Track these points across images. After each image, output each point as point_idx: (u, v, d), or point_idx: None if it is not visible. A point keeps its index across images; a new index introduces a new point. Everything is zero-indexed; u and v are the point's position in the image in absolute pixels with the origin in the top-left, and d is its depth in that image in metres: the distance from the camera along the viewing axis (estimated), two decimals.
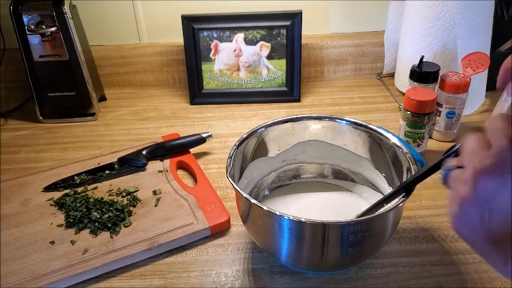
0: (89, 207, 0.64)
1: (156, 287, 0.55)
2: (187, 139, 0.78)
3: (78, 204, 0.64)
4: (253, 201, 0.48)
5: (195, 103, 0.98)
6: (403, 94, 0.73)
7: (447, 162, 0.35)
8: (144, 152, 0.76)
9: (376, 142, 0.61)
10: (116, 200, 0.66)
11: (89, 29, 0.95)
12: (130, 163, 0.74)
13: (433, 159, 0.59)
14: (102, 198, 0.66)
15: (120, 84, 1.05)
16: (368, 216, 0.48)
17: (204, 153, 0.81)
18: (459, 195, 0.31)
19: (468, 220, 0.30)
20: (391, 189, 0.59)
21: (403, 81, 0.96)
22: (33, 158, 0.82)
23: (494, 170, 0.29)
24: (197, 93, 0.98)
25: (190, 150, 0.79)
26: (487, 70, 0.84)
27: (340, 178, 0.67)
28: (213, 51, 0.95)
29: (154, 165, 0.75)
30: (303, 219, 0.46)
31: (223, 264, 0.58)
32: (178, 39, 0.97)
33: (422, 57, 0.77)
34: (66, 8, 0.84)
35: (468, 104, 0.85)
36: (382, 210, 0.47)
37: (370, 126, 0.61)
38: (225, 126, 0.89)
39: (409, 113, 0.72)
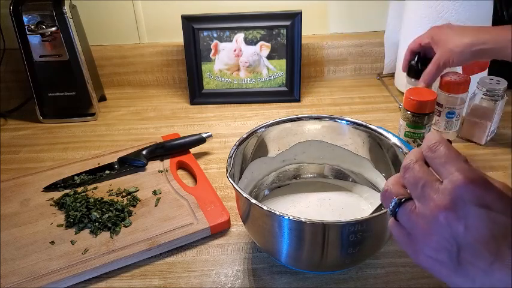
0: (89, 207, 0.64)
1: (156, 287, 0.55)
2: (187, 139, 0.78)
3: (78, 204, 0.64)
4: (253, 201, 0.48)
5: (195, 103, 0.98)
6: (403, 94, 0.73)
7: (392, 189, 0.35)
8: (144, 152, 0.76)
9: (376, 142, 0.61)
10: (116, 200, 0.66)
11: (89, 29, 0.95)
12: (131, 163, 0.74)
13: None
14: (102, 198, 0.66)
15: (120, 84, 1.05)
16: (368, 216, 0.48)
17: (204, 153, 0.81)
18: (423, 232, 0.32)
19: (440, 256, 0.31)
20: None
21: (403, 81, 0.96)
22: (33, 158, 0.82)
23: (455, 205, 0.30)
24: (197, 93, 0.98)
25: (190, 150, 0.78)
26: (487, 70, 0.84)
27: (340, 178, 0.67)
28: (213, 51, 0.95)
29: (154, 165, 0.75)
30: (303, 219, 0.46)
31: (223, 264, 0.58)
32: (178, 39, 0.97)
33: (419, 53, 0.77)
34: (66, 8, 0.84)
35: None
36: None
37: (370, 126, 0.60)
38: (225, 126, 0.89)
39: (409, 113, 0.72)
